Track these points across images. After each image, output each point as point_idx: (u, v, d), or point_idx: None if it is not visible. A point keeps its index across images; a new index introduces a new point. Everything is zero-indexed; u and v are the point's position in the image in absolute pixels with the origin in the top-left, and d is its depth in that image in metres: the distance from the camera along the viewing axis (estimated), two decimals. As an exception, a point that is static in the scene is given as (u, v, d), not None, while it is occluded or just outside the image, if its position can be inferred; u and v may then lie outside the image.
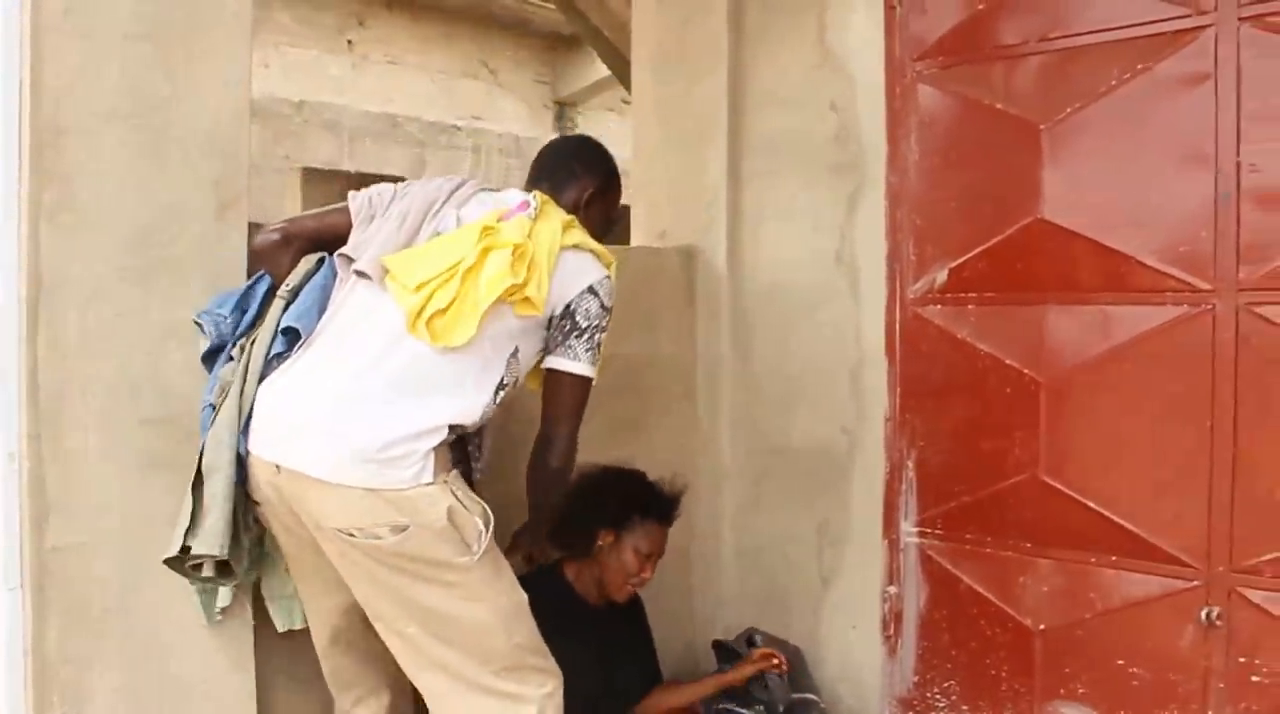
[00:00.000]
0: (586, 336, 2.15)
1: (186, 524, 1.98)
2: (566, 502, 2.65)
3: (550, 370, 2.18)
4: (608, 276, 2.19)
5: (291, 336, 2.09)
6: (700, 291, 3.53)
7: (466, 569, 2.00)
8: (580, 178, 2.33)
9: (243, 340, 2.10)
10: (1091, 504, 2.80)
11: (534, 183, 2.33)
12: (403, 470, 1.93)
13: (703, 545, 3.56)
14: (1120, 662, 2.78)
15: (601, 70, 7.52)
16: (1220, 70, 2.59)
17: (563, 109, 9.79)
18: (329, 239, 2.23)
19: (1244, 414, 2.59)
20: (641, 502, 2.74)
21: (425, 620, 2.02)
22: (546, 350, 2.18)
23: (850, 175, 3.28)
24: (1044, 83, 2.89)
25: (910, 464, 3.16)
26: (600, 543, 2.69)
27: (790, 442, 3.45)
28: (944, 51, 3.07)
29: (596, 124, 9.92)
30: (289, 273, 2.19)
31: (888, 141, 3.19)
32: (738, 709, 2.92)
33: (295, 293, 2.16)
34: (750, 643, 3.27)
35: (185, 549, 1.98)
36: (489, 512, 2.03)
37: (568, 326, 2.14)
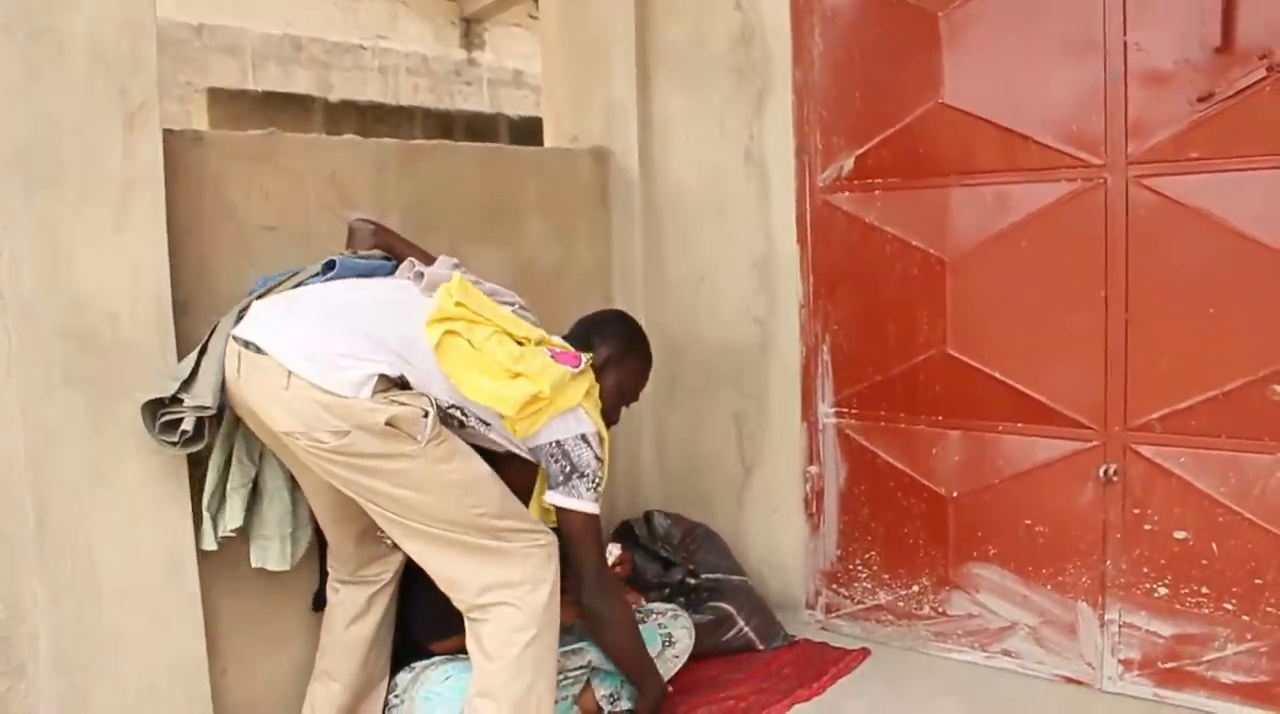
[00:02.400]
0: (587, 480, 2.35)
1: (184, 378, 2.14)
2: None
3: (560, 508, 2.38)
4: (599, 435, 2.40)
5: (328, 267, 2.36)
6: (613, 195, 3.57)
7: (411, 457, 2.10)
8: (598, 347, 2.56)
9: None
10: (996, 375, 2.94)
11: (569, 339, 2.56)
12: (344, 377, 2.05)
13: (622, 444, 3.65)
14: (1027, 521, 2.94)
15: (507, -17, 7.42)
16: (1106, -49, 2.68)
17: (470, 26, 9.60)
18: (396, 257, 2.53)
19: (1134, 282, 2.72)
20: None
21: (386, 505, 2.16)
22: (549, 485, 2.39)
23: (757, 73, 3.34)
24: (940, -31, 2.96)
25: (825, 348, 3.27)
26: None
27: (704, 339, 3.55)
28: (842, -58, 3.12)
29: (504, 40, 9.77)
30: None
31: (792, 37, 3.24)
32: (652, 604, 3.02)
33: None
34: (648, 522, 3.40)
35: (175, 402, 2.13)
36: (433, 402, 2.12)
37: (567, 468, 2.34)
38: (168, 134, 2.24)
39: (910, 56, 3.01)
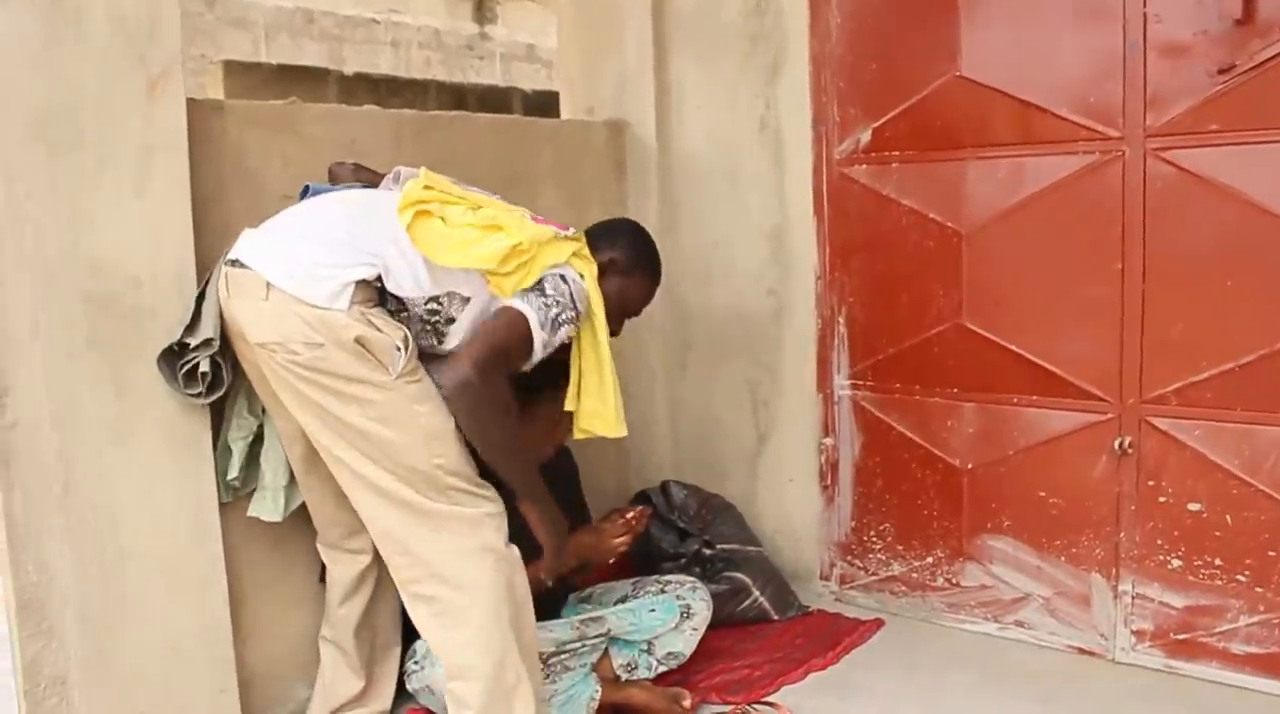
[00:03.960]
0: (547, 301, 2.21)
1: (187, 323, 2.18)
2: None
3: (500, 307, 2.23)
4: (583, 282, 2.30)
5: (304, 193, 2.39)
6: (630, 165, 3.57)
7: (384, 388, 2.08)
8: (605, 251, 2.45)
9: None
10: (1012, 347, 2.95)
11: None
12: (320, 288, 2.06)
13: (637, 411, 3.67)
14: (1041, 493, 2.96)
15: (520, -44, 7.40)
16: (1126, -79, 2.67)
17: (481, 0, 9.58)
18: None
19: (1151, 254, 2.72)
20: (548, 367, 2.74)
21: (352, 439, 2.11)
22: None
23: (771, 42, 3.33)
24: (959, -60, 2.95)
25: (841, 320, 3.28)
26: (549, 397, 2.74)
27: (719, 306, 3.56)
28: (861, -87, 3.11)
29: (517, 14, 9.74)
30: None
31: (809, 6, 3.23)
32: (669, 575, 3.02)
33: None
34: (665, 493, 3.41)
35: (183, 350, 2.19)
36: (410, 338, 2.12)
37: (535, 291, 2.22)
38: (190, 103, 2.25)
39: (928, 28, 3.00)
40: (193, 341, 2.16)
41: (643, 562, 3.32)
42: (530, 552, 2.62)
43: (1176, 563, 2.76)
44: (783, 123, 3.34)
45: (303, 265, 2.08)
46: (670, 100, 3.57)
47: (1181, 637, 2.77)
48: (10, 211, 1.97)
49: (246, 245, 2.16)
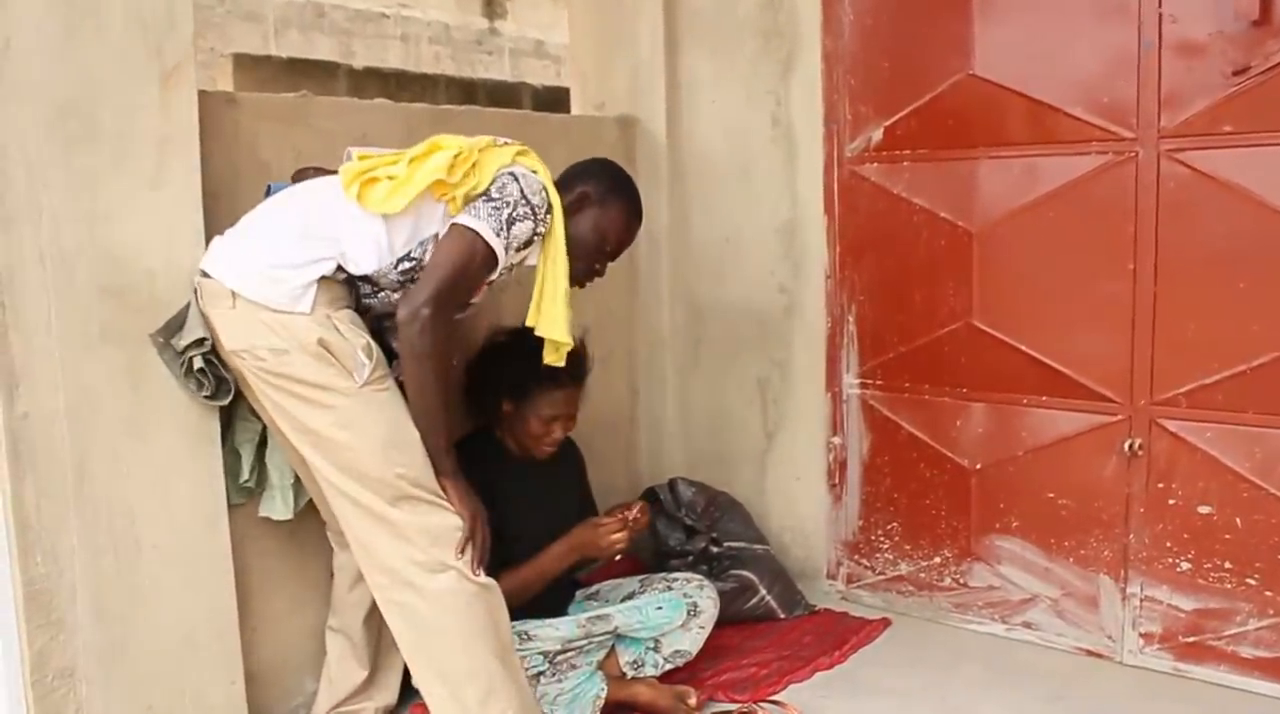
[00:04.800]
0: (494, 203, 2.17)
1: (176, 326, 2.19)
2: (468, 373, 2.77)
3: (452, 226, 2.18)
4: (536, 175, 2.25)
5: (268, 191, 2.37)
6: (640, 161, 3.57)
7: (347, 395, 2.09)
8: (575, 186, 2.38)
9: None
10: (1022, 347, 2.95)
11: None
12: (281, 288, 2.09)
13: (646, 408, 3.68)
14: (1050, 494, 2.95)
15: (530, -49, 7.39)
16: (1141, -80, 2.66)
17: (492, -5, 9.57)
18: None
19: (1164, 256, 2.72)
20: (536, 370, 2.59)
21: (316, 444, 2.13)
22: None
23: (784, 39, 3.33)
24: (973, -62, 2.94)
25: (850, 318, 3.27)
26: (504, 411, 2.75)
27: (729, 303, 3.56)
28: (875, -90, 3.10)
29: (526, 9, 9.74)
30: None
31: (822, 4, 3.23)
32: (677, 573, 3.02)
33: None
34: (673, 490, 3.41)
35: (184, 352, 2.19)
36: (374, 347, 2.13)
37: (482, 198, 2.18)
38: (202, 95, 2.25)
39: (941, 26, 3.00)
40: (182, 343, 2.16)
41: (650, 559, 3.33)
42: (547, 605, 2.66)
43: (1186, 565, 2.76)
44: (794, 119, 3.34)
45: (262, 268, 2.11)
46: (682, 96, 3.57)
47: (1190, 639, 2.77)
48: (29, 203, 1.97)
49: (210, 255, 2.18)
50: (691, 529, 3.34)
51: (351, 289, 2.22)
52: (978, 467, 3.07)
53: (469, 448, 2.75)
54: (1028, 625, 3.04)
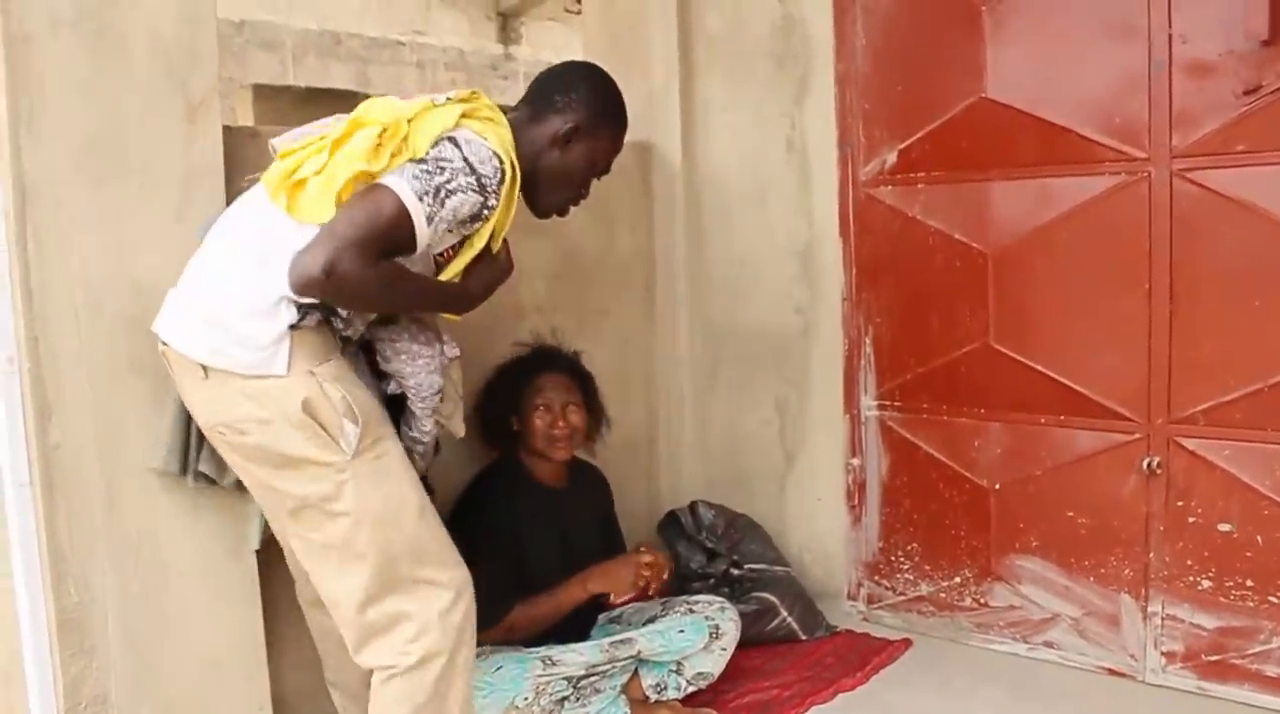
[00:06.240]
0: (425, 167, 1.87)
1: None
2: (478, 405, 2.84)
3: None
4: (486, 142, 1.94)
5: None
6: (655, 185, 3.60)
7: (338, 470, 1.89)
8: (561, 110, 2.11)
9: None
10: (1039, 367, 2.96)
11: (516, 107, 2.15)
12: (248, 353, 1.85)
13: (666, 430, 3.69)
14: (1069, 513, 2.96)
15: (544, -22, 7.47)
16: (1151, -57, 2.68)
17: (506, 20, 9.64)
18: None
19: (1178, 275, 2.73)
20: (517, 372, 2.87)
21: (298, 524, 1.97)
22: None
23: (798, 62, 3.36)
24: (984, -37, 2.97)
25: (867, 340, 3.29)
26: (516, 428, 2.82)
27: (746, 325, 3.58)
28: (886, -64, 3.14)
29: (541, 34, 9.82)
30: None
31: (834, 28, 3.26)
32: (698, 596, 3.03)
33: None
34: (693, 512, 3.43)
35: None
36: (354, 408, 1.89)
37: (411, 161, 1.89)
38: (226, 129, 2.29)
39: (953, 49, 3.02)
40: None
41: (671, 582, 3.34)
42: (570, 629, 2.73)
43: (1207, 584, 2.75)
44: (809, 143, 3.37)
45: (221, 328, 1.87)
46: (697, 119, 3.60)
47: (1213, 658, 2.76)
48: (59, 237, 2.01)
49: (165, 319, 1.97)
50: (712, 552, 3.36)
51: (333, 335, 1.98)
52: (997, 486, 3.08)
53: (493, 477, 2.80)
54: (1049, 645, 3.04)
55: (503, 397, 2.85)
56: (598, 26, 3.83)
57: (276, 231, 1.87)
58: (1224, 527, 2.71)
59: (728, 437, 3.68)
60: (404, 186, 1.83)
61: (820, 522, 3.49)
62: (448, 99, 1.97)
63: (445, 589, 1.99)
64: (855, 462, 3.37)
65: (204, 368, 1.88)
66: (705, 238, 3.63)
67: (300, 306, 1.86)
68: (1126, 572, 2.87)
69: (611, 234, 3.48)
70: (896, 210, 3.18)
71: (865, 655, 3.09)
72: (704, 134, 3.60)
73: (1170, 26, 2.67)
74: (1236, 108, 2.59)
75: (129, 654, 2.13)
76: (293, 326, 1.86)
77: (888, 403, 3.28)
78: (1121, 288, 2.81)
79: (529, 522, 2.75)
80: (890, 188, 3.19)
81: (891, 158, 3.17)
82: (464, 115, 1.96)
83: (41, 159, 1.99)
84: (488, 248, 2.06)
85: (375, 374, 2.21)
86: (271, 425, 1.86)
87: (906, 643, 3.19)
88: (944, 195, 3.08)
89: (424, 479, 2.19)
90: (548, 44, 9.59)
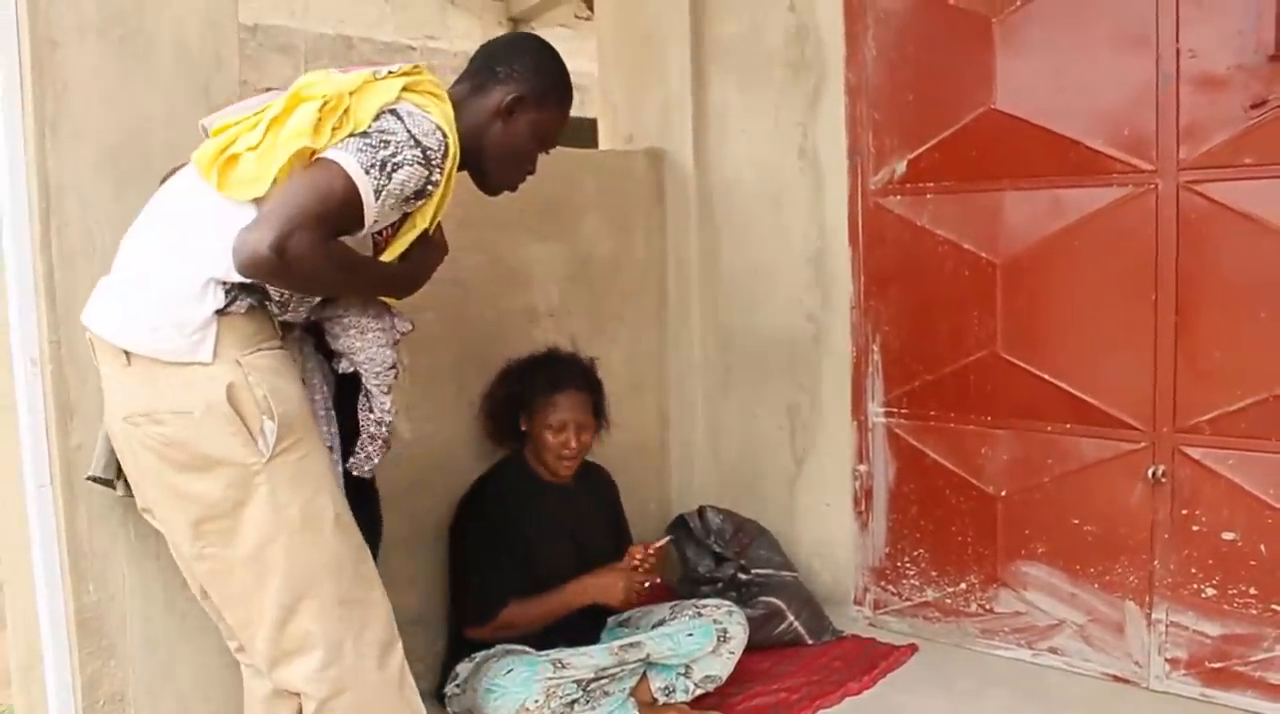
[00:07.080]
0: (369, 140, 1.78)
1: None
2: (487, 398, 2.89)
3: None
4: (429, 115, 1.85)
5: None
6: (669, 192, 3.64)
7: (254, 471, 1.77)
8: (504, 81, 2.03)
9: None
10: (1046, 376, 2.98)
11: (458, 82, 2.07)
12: (175, 337, 1.75)
13: (677, 434, 3.72)
14: (1075, 521, 2.98)
15: (555, -16, 7.50)
16: (1160, -43, 2.71)
17: (516, 25, 9.69)
18: None
19: (1184, 286, 2.75)
20: (537, 380, 2.87)
21: (203, 539, 1.83)
22: None
23: (810, 73, 3.39)
24: (994, -25, 3.00)
25: (875, 348, 3.32)
26: (524, 428, 2.86)
27: (758, 331, 3.61)
28: (898, -52, 3.17)
29: (551, 40, 9.87)
30: None
31: (846, 38, 3.29)
32: (706, 599, 3.06)
33: None
34: (702, 517, 3.46)
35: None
36: (274, 404, 1.78)
37: (354, 135, 1.80)
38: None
39: (963, 60, 3.05)
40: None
41: (680, 585, 3.37)
42: (580, 633, 2.77)
43: (1211, 591, 2.78)
44: (821, 150, 3.40)
45: (146, 312, 1.77)
46: (710, 125, 3.64)
47: (1217, 665, 2.78)
48: (83, 241, 2.04)
49: (92, 305, 1.86)
50: (720, 556, 3.39)
51: (267, 321, 1.86)
52: (1003, 494, 3.10)
53: (501, 475, 2.83)
54: (1054, 651, 3.06)
55: (514, 397, 2.88)
56: (611, 33, 3.86)
57: (205, 211, 1.78)
58: (1228, 535, 2.74)
59: (739, 441, 3.71)
60: (349, 160, 1.74)
61: (828, 527, 3.52)
62: (389, 72, 1.88)
63: (367, 608, 1.89)
64: (863, 468, 3.39)
65: (127, 354, 1.77)
66: (718, 244, 3.66)
67: (228, 290, 1.77)
68: (1131, 579, 2.90)
69: (626, 239, 3.51)
70: (905, 219, 3.21)
71: (872, 660, 3.12)
72: (718, 141, 3.63)
73: (1179, 40, 2.69)
74: (1244, 121, 2.61)
75: (147, 653, 2.16)
76: (220, 311, 1.76)
77: (895, 410, 3.30)
78: (1128, 298, 2.83)
79: (537, 520, 2.78)
80: (900, 197, 3.22)
81: (901, 167, 3.20)
82: (405, 89, 1.87)
83: (66, 162, 2.02)
84: (425, 229, 1.97)
85: (325, 355, 2.09)
86: (190, 417, 1.75)
87: (913, 648, 3.21)
88: (953, 205, 3.11)
89: (373, 493, 2.17)
90: (558, 49, 9.66)
